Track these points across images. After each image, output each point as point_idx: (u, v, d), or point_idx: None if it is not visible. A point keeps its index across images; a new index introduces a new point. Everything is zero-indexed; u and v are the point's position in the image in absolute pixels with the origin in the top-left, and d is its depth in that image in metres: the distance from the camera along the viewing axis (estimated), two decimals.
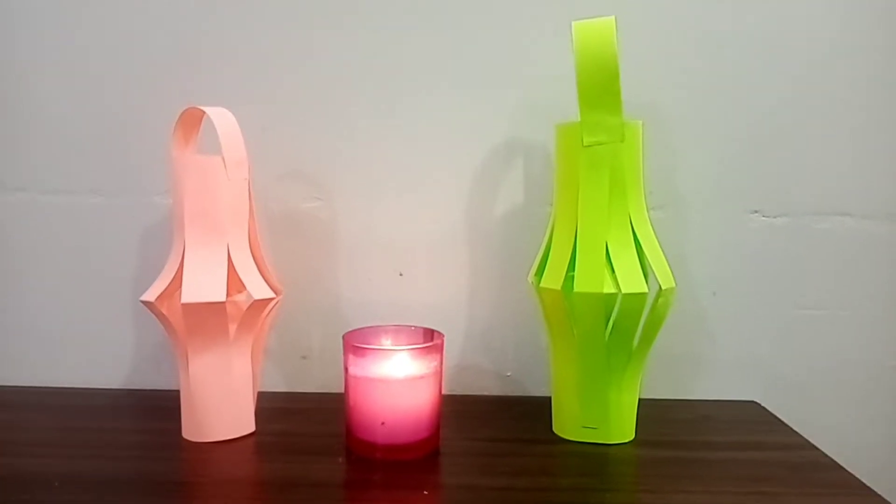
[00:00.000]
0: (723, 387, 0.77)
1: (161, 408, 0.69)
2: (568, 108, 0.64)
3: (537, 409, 0.69)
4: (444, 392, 0.62)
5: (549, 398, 0.67)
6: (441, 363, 0.61)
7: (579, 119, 0.59)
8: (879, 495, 0.53)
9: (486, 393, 0.77)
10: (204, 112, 0.61)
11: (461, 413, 0.70)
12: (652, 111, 0.73)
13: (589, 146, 0.59)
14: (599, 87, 0.57)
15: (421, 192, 0.75)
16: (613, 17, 0.57)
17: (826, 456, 0.61)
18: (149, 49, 0.74)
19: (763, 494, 0.53)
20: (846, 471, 0.58)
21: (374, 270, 0.76)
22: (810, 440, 0.64)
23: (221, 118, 0.61)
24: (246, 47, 0.74)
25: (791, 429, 0.68)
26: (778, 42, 0.74)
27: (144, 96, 0.74)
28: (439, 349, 0.61)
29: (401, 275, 0.76)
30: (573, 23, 0.58)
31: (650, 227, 0.62)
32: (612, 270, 0.59)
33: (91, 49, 0.74)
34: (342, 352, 0.61)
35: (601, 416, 0.62)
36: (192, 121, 0.63)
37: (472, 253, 0.76)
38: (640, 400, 0.64)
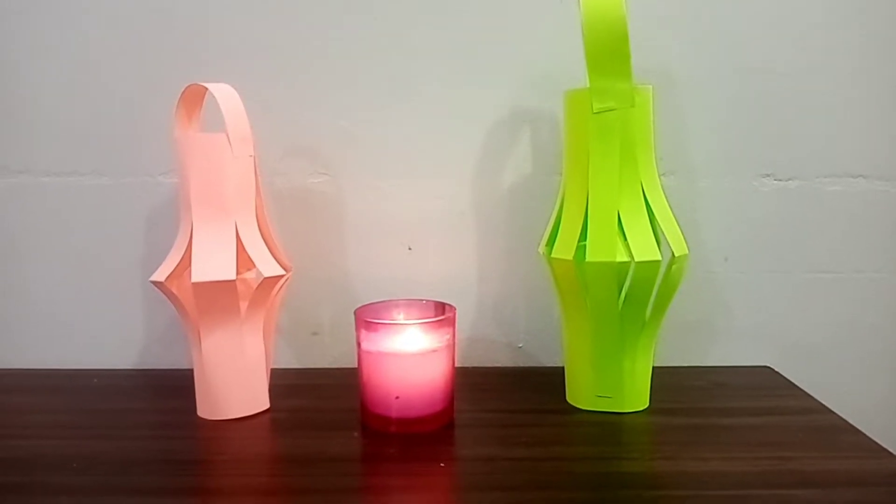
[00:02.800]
0: (736, 353, 0.77)
1: (175, 387, 0.69)
2: (575, 75, 0.64)
3: (550, 380, 0.69)
4: (456, 365, 0.62)
5: (562, 368, 0.67)
6: (454, 336, 0.61)
7: (588, 85, 0.58)
8: None
9: (498, 365, 0.78)
10: (206, 88, 0.60)
11: (474, 385, 0.70)
12: (660, 76, 0.72)
13: (599, 112, 0.58)
14: (608, 52, 0.56)
15: (427, 164, 0.75)
16: None
17: (842, 419, 0.61)
18: (150, 27, 0.73)
19: (780, 459, 0.53)
20: (863, 434, 0.58)
21: (383, 245, 0.76)
22: (825, 404, 0.64)
23: (224, 94, 0.60)
24: (249, 23, 0.73)
25: (806, 393, 0.67)
26: (790, 3, 0.72)
27: (147, 75, 0.73)
28: (451, 322, 0.60)
29: (409, 249, 0.76)
30: None
31: (662, 194, 0.61)
32: (625, 238, 0.58)
33: (92, 28, 0.73)
34: (353, 327, 0.61)
35: (615, 385, 0.62)
36: (194, 98, 0.63)
37: (481, 225, 0.76)
38: (653, 368, 0.64)
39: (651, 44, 0.71)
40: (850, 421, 0.60)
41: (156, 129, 0.73)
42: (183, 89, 0.61)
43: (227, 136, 0.59)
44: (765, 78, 0.73)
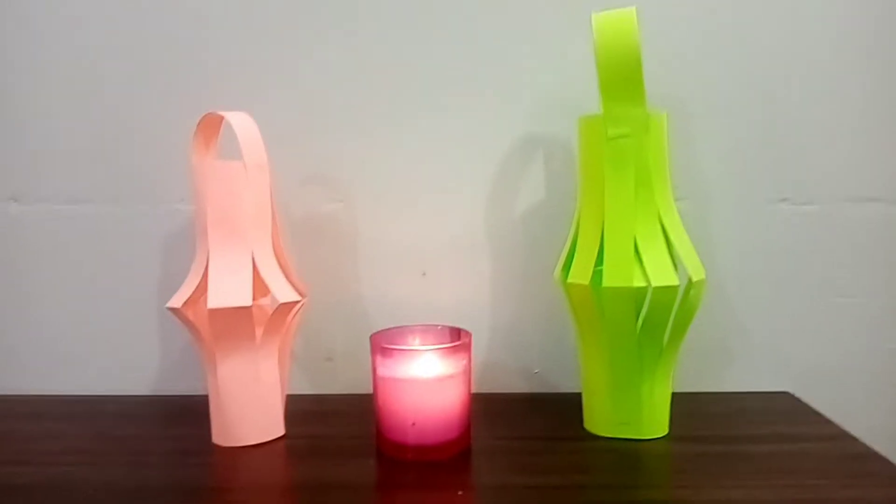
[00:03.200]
0: (754, 378, 0.76)
1: (190, 413, 0.69)
2: (587, 102, 0.64)
3: (567, 406, 0.69)
4: (471, 391, 0.62)
5: (578, 394, 0.66)
6: (469, 362, 0.60)
7: (602, 111, 0.58)
8: None
9: (513, 391, 0.77)
10: (223, 117, 0.61)
11: (489, 412, 0.69)
12: (674, 101, 0.72)
13: (613, 139, 0.58)
14: (622, 79, 0.56)
15: (441, 190, 0.75)
16: (634, 8, 0.56)
17: (864, 445, 0.60)
18: (167, 56, 0.74)
19: (803, 487, 0.52)
20: (887, 460, 0.57)
21: (397, 271, 0.76)
22: (846, 430, 0.63)
23: (241, 122, 0.61)
24: (264, 52, 0.74)
25: (826, 419, 0.66)
26: (803, 26, 0.72)
27: (163, 103, 0.74)
28: (467, 348, 0.60)
29: (424, 274, 0.76)
30: (592, 14, 0.57)
31: (678, 219, 0.61)
32: (641, 264, 0.58)
33: (107, 57, 0.74)
34: (368, 353, 0.60)
35: (634, 412, 0.61)
36: (211, 126, 0.63)
37: (495, 250, 0.75)
38: (672, 393, 0.63)
39: (664, 69, 0.71)
40: (873, 447, 0.59)
41: (172, 156, 0.73)
42: (200, 118, 0.61)
43: (244, 163, 0.59)
44: (779, 102, 0.73)
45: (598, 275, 0.59)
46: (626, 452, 0.59)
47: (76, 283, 0.77)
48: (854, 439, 0.61)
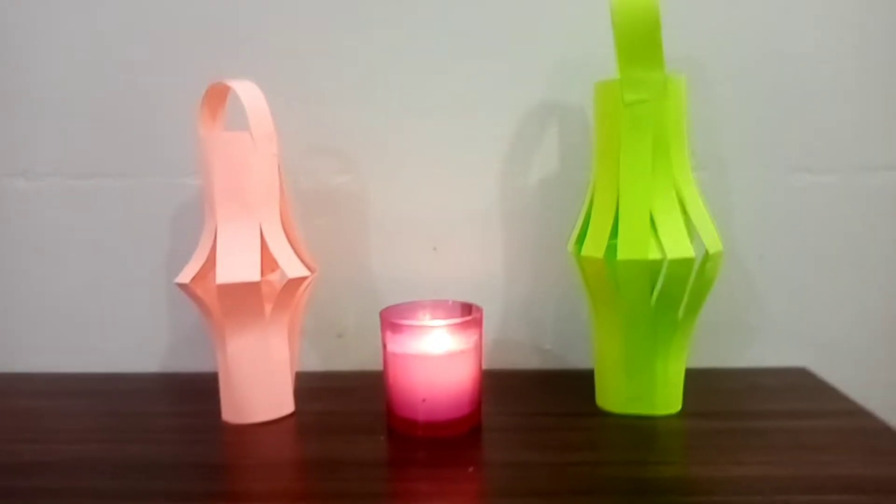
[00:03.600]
0: (771, 353, 0.75)
1: (199, 390, 0.69)
2: (604, 66, 0.62)
3: (579, 383, 0.68)
4: (483, 367, 0.61)
5: (591, 371, 0.66)
6: (480, 337, 0.60)
7: (618, 76, 0.56)
8: None
9: (525, 367, 0.76)
10: (230, 87, 0.60)
11: (500, 388, 0.68)
12: (691, 66, 0.70)
13: (630, 104, 0.56)
14: (640, 41, 0.55)
15: (452, 162, 0.74)
16: None
17: (881, 421, 0.59)
18: (173, 25, 0.73)
19: (820, 463, 0.51)
20: None
21: (408, 245, 0.75)
22: (863, 405, 0.62)
23: (248, 92, 0.59)
24: (273, 20, 0.72)
25: (843, 395, 0.65)
26: None
27: (170, 74, 0.73)
28: (478, 323, 0.59)
29: (435, 249, 0.75)
30: None
31: (695, 189, 0.59)
32: (657, 235, 0.56)
33: (113, 28, 0.73)
34: (378, 329, 0.60)
35: (648, 388, 0.60)
36: (218, 96, 0.62)
37: (508, 223, 0.74)
38: (686, 369, 0.62)
39: (680, 32, 0.69)
40: (890, 423, 0.58)
41: (179, 129, 0.73)
42: (206, 88, 0.60)
43: (251, 133, 0.58)
44: (799, 67, 0.71)
45: (612, 248, 0.58)
46: (640, 429, 0.59)
47: (84, 258, 0.77)
48: (871, 416, 0.60)
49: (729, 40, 0.71)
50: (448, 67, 0.72)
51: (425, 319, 0.63)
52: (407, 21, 0.72)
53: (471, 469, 0.52)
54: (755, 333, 0.75)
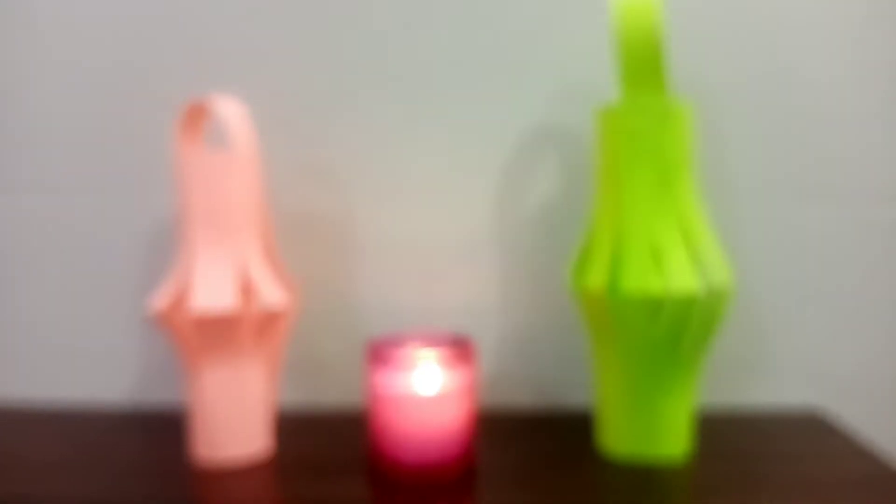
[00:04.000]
0: (780, 389, 0.72)
1: (170, 424, 0.66)
2: (605, 91, 0.61)
3: (579, 423, 0.66)
4: (476, 405, 0.58)
5: (592, 410, 0.64)
6: (474, 373, 0.57)
7: (621, 101, 0.55)
8: None
9: (521, 405, 0.74)
10: (210, 103, 0.58)
11: (495, 429, 0.66)
12: (697, 93, 0.68)
13: (633, 130, 0.55)
14: (643, 66, 0.54)
15: (447, 186, 0.72)
16: None
17: (891, 464, 0.57)
18: (154, 40, 0.72)
19: None
20: None
21: (397, 272, 0.73)
22: (873, 443, 0.61)
23: (229, 108, 0.58)
24: (257, 35, 0.71)
25: (854, 436, 0.63)
26: (833, 19, 0.69)
27: (149, 90, 0.72)
28: (472, 358, 0.57)
29: (426, 276, 0.73)
30: None
31: (703, 219, 0.58)
32: (661, 268, 0.55)
33: (91, 42, 0.72)
34: (364, 361, 0.58)
35: (651, 428, 0.58)
36: (198, 114, 0.60)
37: (504, 252, 0.73)
38: (692, 409, 0.60)
39: (685, 59, 0.68)
40: None
41: (157, 146, 0.70)
42: (186, 104, 0.59)
43: (232, 154, 0.57)
44: (807, 98, 0.70)
45: (613, 280, 0.56)
46: (644, 473, 0.56)
47: (53, 281, 0.74)
48: (881, 458, 0.58)
49: (736, 69, 0.70)
50: (443, 88, 0.71)
51: (415, 352, 0.60)
52: (401, 37, 0.71)
53: None
54: (765, 370, 0.73)
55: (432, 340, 0.61)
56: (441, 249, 0.72)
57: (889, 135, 0.70)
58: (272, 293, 0.58)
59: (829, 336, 0.72)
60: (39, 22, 0.72)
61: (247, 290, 0.58)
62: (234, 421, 0.59)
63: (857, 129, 0.70)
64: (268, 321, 0.58)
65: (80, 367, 0.75)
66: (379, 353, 0.56)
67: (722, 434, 0.64)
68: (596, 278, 0.57)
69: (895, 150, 0.71)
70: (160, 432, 0.66)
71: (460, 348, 0.58)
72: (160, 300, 0.57)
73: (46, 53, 0.72)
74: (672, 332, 0.56)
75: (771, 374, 0.73)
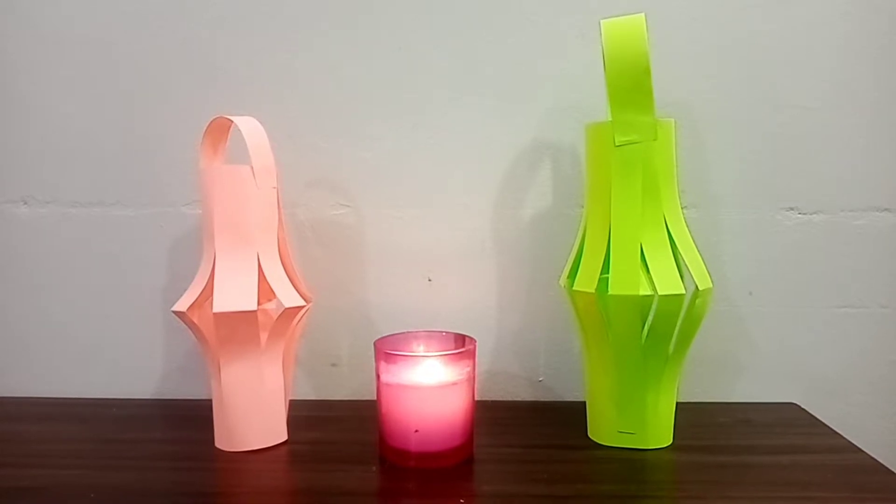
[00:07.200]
0: (761, 388, 0.75)
1: (193, 417, 0.69)
2: (595, 109, 0.63)
3: (571, 415, 0.68)
4: (475, 398, 0.61)
5: (583, 403, 0.66)
6: (474, 369, 0.60)
7: (610, 118, 0.58)
8: None
9: (517, 399, 0.76)
10: (232, 121, 0.61)
11: (493, 420, 0.69)
12: (682, 109, 0.71)
13: (621, 146, 0.58)
14: (630, 86, 0.56)
15: (448, 195, 0.75)
16: (643, 15, 0.56)
17: (871, 458, 0.59)
18: (176, 60, 0.74)
19: (809, 500, 0.52)
20: (893, 473, 0.56)
21: (403, 276, 0.75)
22: (852, 441, 0.63)
23: (249, 127, 0.61)
24: (273, 56, 0.74)
25: (833, 431, 0.66)
26: (814, 35, 0.72)
27: (172, 107, 0.74)
28: (472, 355, 0.60)
29: (429, 280, 0.75)
30: (602, 21, 0.57)
31: (685, 227, 0.60)
32: (648, 271, 0.58)
33: (118, 61, 0.75)
34: (372, 359, 0.60)
35: (638, 421, 0.61)
36: (220, 130, 0.63)
37: (502, 256, 0.75)
38: (676, 403, 0.63)
39: (671, 77, 0.71)
40: (879, 459, 0.58)
41: (180, 160, 0.74)
42: (208, 122, 0.62)
43: (252, 168, 0.60)
44: (787, 110, 0.73)
45: (604, 282, 0.59)
46: (630, 462, 0.59)
47: (83, 286, 0.77)
48: (861, 452, 0.60)
49: (719, 85, 0.73)
50: (446, 105, 0.74)
51: (419, 350, 0.63)
52: (406, 60, 0.74)
53: (462, 501, 0.52)
54: (745, 368, 0.76)
55: (435, 339, 0.64)
56: (443, 256, 0.75)
57: (863, 148, 0.73)
58: (288, 295, 0.61)
59: (807, 337, 0.75)
60: (67, 39, 0.74)
61: (264, 291, 0.61)
62: (253, 413, 0.61)
63: (832, 143, 0.73)
64: (283, 320, 0.61)
65: (107, 364, 0.78)
66: (386, 350, 0.59)
67: (705, 427, 0.66)
68: (587, 281, 0.59)
69: (872, 161, 0.73)
70: (182, 424, 0.68)
71: (461, 346, 0.62)
72: (184, 301, 0.60)
73: (76, 74, 0.74)
74: (658, 331, 0.59)
75: (752, 373, 0.75)
